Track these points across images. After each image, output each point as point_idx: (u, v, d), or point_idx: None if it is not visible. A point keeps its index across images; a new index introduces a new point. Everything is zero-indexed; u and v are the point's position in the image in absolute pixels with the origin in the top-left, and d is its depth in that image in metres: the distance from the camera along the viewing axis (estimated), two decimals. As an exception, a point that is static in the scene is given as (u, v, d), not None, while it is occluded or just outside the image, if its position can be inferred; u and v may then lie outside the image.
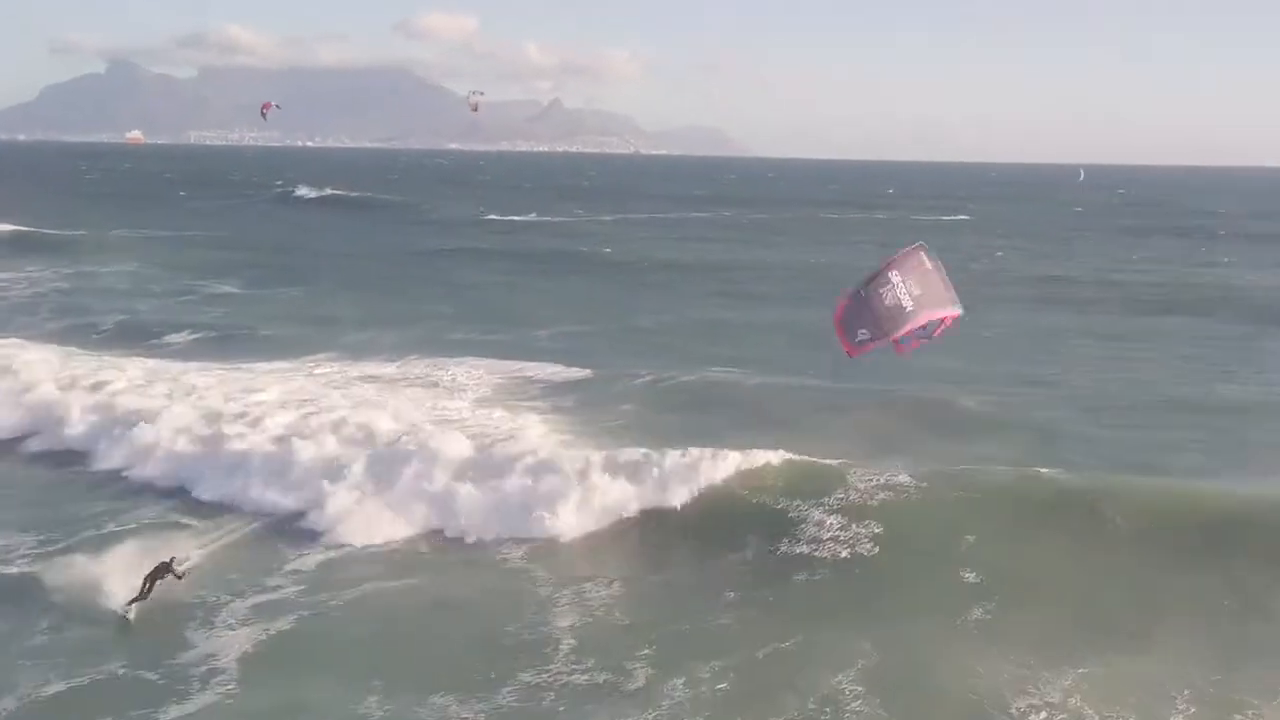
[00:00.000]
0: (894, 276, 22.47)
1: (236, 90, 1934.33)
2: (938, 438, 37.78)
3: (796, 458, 33.13)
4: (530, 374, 47.39)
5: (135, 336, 56.14)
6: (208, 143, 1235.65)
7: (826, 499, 30.61)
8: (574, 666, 23.44)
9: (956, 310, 22.90)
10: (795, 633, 24.88)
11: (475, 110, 75.89)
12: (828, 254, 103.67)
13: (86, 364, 46.41)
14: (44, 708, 21.64)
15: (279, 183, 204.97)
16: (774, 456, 33.22)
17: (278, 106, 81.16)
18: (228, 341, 55.74)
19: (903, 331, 22.43)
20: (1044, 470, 32.23)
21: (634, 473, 32.23)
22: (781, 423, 38.90)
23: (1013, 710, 22.06)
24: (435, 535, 30.78)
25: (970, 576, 27.22)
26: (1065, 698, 22.27)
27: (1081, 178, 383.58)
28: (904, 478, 31.61)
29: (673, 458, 32.68)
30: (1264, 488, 31.02)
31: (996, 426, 39.32)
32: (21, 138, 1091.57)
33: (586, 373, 47.29)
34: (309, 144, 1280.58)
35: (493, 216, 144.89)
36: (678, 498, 31.44)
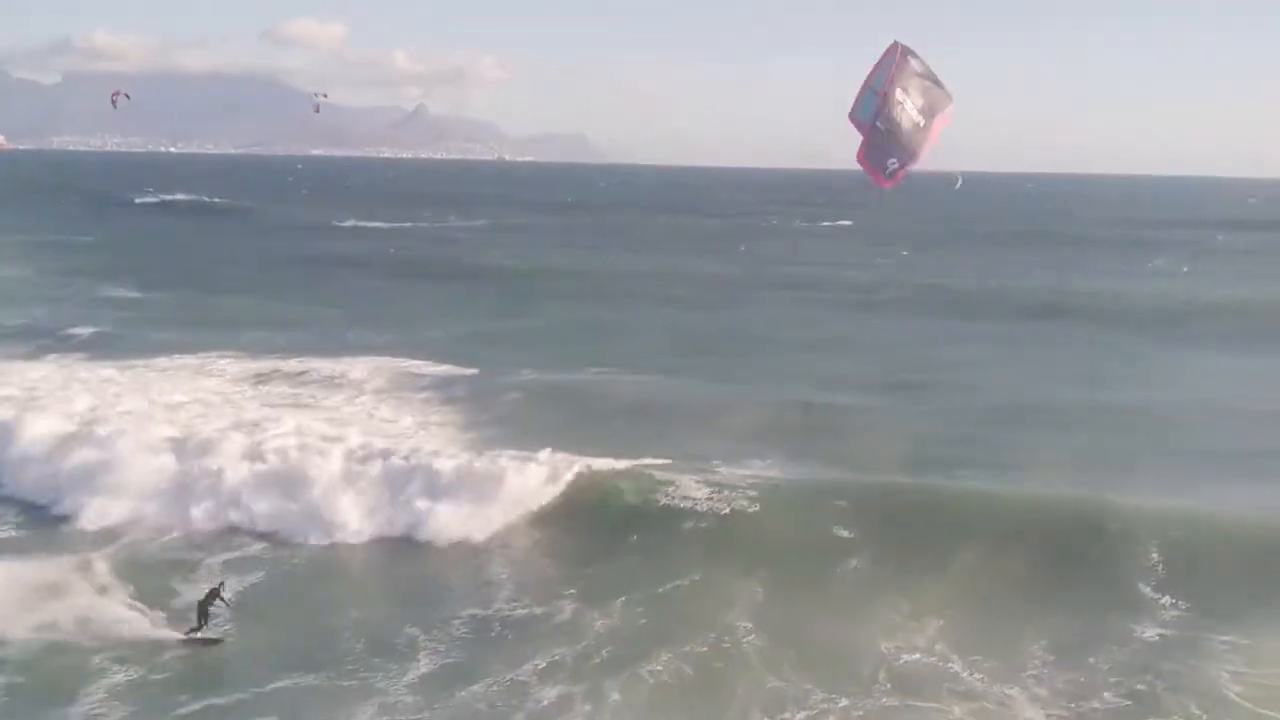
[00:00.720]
0: (899, 95, 21.75)
1: (101, 95, 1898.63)
2: (809, 436, 39.90)
3: (668, 456, 35.20)
4: (419, 371, 48.60)
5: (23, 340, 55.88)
6: (71, 148, 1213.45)
7: (704, 482, 32.98)
8: (513, 604, 27.49)
9: (950, 102, 22.39)
10: (692, 574, 28.26)
11: (317, 111, 76.41)
12: (690, 259, 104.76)
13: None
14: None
15: (149, 188, 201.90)
16: (653, 449, 35.73)
17: (127, 96, 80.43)
18: (118, 343, 55.91)
19: (926, 148, 21.99)
20: (900, 478, 34.71)
21: (522, 470, 33.40)
22: (660, 418, 40.12)
23: (883, 649, 24.99)
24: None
25: (844, 532, 30.36)
26: (930, 643, 25.18)
27: (959, 184, 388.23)
28: (775, 472, 34.76)
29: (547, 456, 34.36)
30: (1070, 489, 33.25)
31: (865, 428, 40.54)
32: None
33: (474, 371, 48.22)
34: (173, 149, 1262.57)
35: (360, 223, 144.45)
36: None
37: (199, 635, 25.13)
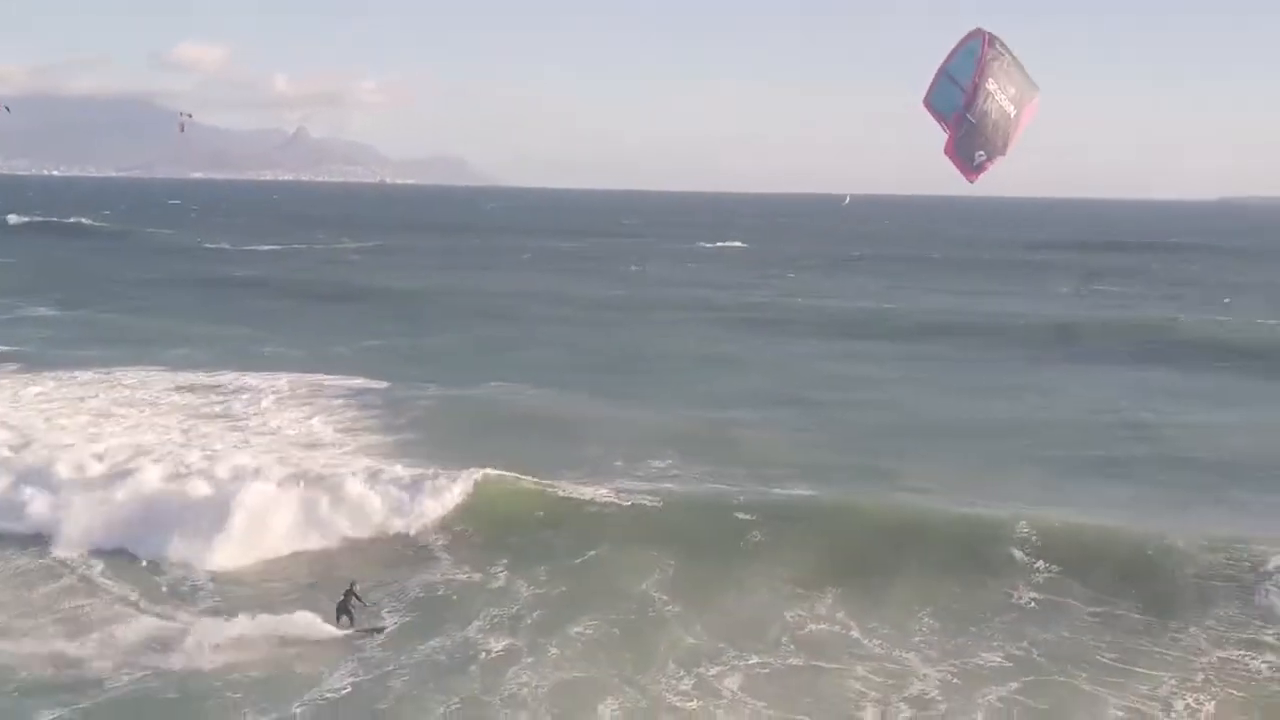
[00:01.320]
0: (990, 85, 21.35)
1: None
2: (704, 446, 41.60)
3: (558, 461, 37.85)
4: (334, 384, 50.35)
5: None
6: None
7: (607, 484, 35.54)
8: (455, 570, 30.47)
9: (1037, 92, 22.01)
10: (606, 552, 31.02)
11: (182, 130, 76.76)
12: (579, 279, 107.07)
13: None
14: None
15: (35, 210, 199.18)
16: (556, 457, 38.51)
17: (7, 109, 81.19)
18: (49, 361, 56.60)
19: (1015, 140, 21.77)
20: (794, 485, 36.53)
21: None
22: (560, 429, 42.41)
23: (788, 617, 27.54)
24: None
25: (743, 516, 32.76)
26: (831, 611, 27.67)
27: (847, 202, 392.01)
28: (675, 473, 37.71)
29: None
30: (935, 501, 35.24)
31: (757, 439, 42.84)
32: None
33: (384, 384, 50.22)
34: (56, 173, 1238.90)
35: (252, 246, 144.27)
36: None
37: (365, 628, 27.11)
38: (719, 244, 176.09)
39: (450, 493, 34.37)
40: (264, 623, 26.70)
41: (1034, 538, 30.42)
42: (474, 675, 24.46)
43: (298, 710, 23.29)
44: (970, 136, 21.49)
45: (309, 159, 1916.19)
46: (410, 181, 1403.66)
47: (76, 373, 52.61)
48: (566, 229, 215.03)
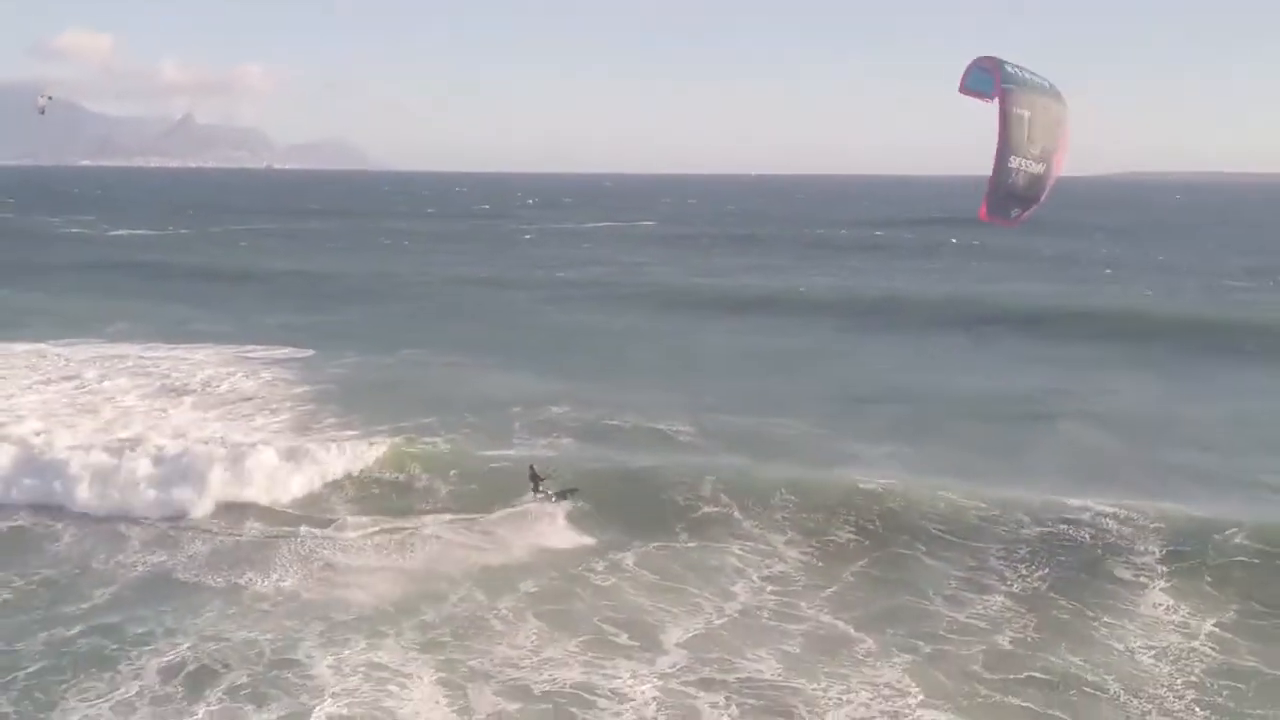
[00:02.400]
0: (1013, 161, 21.95)
1: None
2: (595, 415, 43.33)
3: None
4: (261, 354, 53.08)
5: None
6: None
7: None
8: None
9: (1067, 127, 22.68)
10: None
11: (42, 113, 76.05)
12: (477, 259, 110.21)
13: None
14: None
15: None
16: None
17: (50, 98, 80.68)
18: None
19: (1049, 187, 22.59)
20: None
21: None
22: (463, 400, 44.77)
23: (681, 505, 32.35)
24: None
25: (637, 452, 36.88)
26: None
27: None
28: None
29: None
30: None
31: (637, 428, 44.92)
32: None
33: (310, 353, 53.26)
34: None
35: (143, 231, 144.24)
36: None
37: (562, 490, 31.62)
38: (631, 223, 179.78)
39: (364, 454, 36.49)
40: None
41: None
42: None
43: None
44: (1003, 201, 22.71)
45: (196, 145, 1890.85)
46: (296, 166, 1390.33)
47: (15, 346, 54.70)
48: (463, 211, 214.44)
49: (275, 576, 28.35)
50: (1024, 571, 28.38)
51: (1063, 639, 24.99)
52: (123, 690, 22.38)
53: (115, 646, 24.14)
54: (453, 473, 35.18)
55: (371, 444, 36.85)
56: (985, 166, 22.05)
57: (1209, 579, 27.55)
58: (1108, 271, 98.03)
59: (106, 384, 46.19)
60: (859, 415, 43.06)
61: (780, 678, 23.18)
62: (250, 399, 44.84)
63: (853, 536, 30.85)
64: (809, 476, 34.05)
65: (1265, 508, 31.83)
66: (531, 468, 31.89)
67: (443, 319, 69.12)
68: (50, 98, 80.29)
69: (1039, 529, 30.01)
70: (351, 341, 58.25)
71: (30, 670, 23.17)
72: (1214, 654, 24.27)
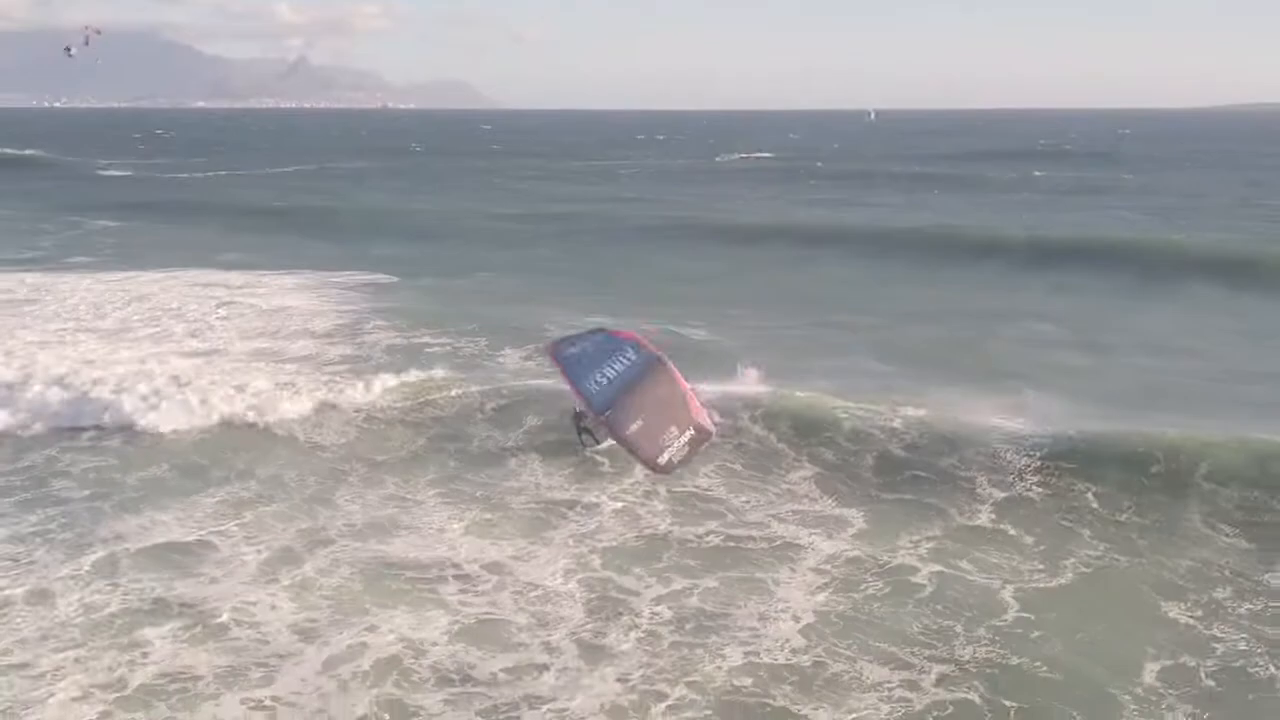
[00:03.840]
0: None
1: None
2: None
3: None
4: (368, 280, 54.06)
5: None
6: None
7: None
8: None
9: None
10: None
11: (86, 44, 75.14)
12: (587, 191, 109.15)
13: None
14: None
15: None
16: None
17: (97, 32, 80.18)
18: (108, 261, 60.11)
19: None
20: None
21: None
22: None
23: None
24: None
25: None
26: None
27: (872, 117, 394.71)
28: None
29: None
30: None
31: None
32: None
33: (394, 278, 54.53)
34: (57, 104, 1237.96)
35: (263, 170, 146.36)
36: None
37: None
38: (744, 155, 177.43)
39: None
40: None
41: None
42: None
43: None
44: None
45: (311, 86, 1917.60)
46: (412, 106, 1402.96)
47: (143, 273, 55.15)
48: (575, 148, 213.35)
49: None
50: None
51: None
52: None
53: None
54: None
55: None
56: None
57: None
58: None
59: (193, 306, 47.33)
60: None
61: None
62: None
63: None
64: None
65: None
66: (576, 411, 27.77)
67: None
68: (98, 31, 78.65)
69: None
70: (432, 267, 58.51)
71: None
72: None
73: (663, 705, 16.87)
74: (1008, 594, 20.14)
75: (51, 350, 37.45)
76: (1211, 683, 17.41)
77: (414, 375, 33.06)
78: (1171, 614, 19.46)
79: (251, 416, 30.58)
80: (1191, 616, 19.36)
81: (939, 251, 62.22)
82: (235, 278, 53.20)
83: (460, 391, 31.83)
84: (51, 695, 16.89)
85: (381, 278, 54.12)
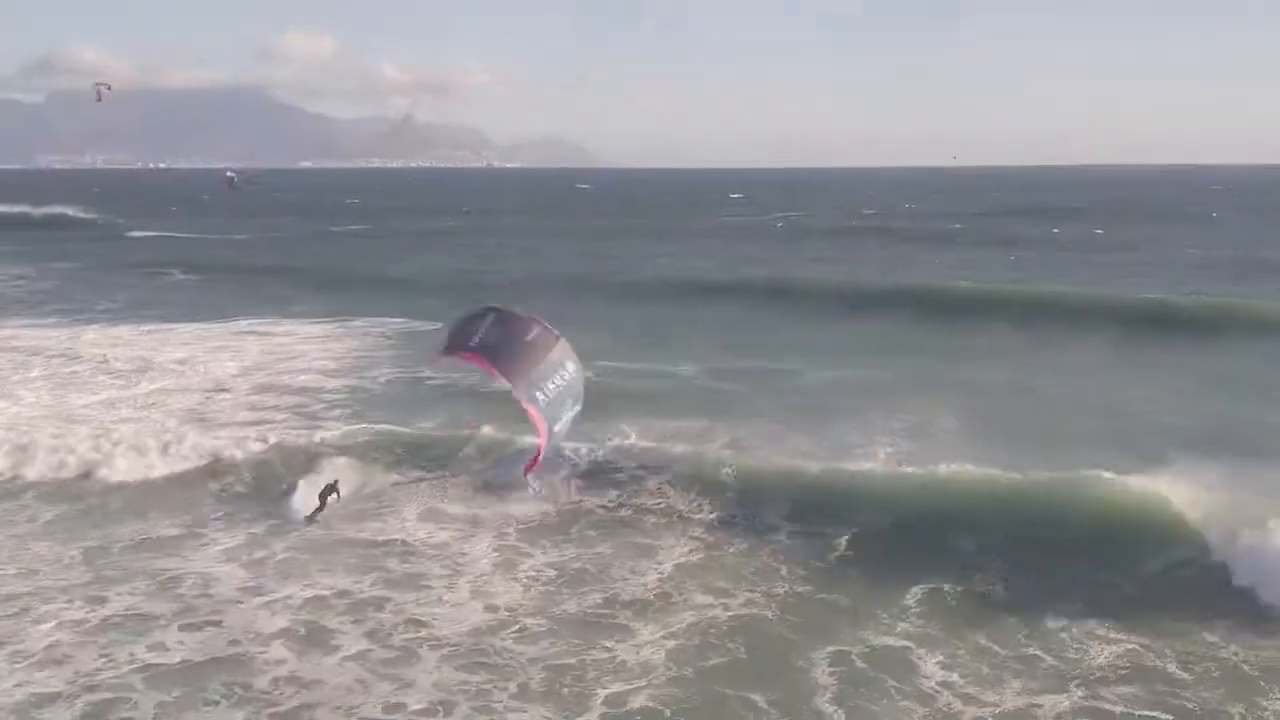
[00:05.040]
0: (489, 319, 25.46)
1: (85, 115, 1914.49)
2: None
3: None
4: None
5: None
6: (56, 167, 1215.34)
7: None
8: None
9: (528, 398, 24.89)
10: None
11: (99, 100, 77.92)
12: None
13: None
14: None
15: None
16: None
17: (108, 87, 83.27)
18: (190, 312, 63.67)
19: (458, 357, 25.97)
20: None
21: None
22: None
23: None
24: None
25: None
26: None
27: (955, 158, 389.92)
28: None
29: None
30: None
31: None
32: None
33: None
34: (160, 166, 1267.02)
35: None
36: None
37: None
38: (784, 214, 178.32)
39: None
40: None
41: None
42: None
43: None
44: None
45: (416, 145, 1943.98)
46: (517, 165, 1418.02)
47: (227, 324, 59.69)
48: (660, 207, 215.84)
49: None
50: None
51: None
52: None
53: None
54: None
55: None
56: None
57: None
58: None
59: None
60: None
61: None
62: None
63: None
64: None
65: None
66: (336, 482, 29.93)
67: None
68: (109, 87, 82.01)
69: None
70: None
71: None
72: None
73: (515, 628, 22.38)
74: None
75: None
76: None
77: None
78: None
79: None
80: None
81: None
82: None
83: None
84: None
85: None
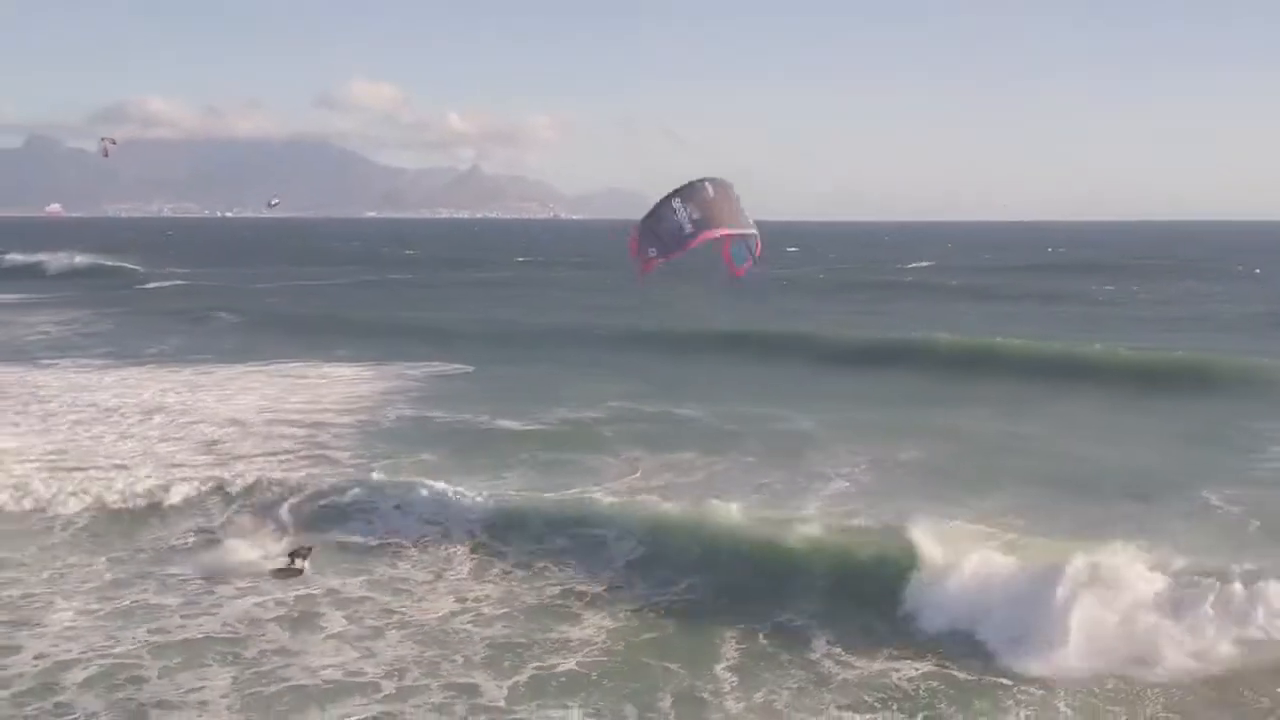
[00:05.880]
0: (675, 203, 26.39)
1: (150, 163, 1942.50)
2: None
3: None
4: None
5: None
6: (124, 215, 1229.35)
7: None
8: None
9: (743, 229, 26.92)
10: None
11: (105, 155, 79.55)
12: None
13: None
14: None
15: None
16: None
17: (113, 142, 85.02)
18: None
19: (683, 250, 26.58)
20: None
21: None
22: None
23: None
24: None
25: None
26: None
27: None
28: None
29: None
30: None
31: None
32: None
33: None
34: (228, 215, 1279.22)
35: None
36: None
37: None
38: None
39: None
40: None
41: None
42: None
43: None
44: (645, 237, 26.97)
45: (483, 196, 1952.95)
46: (583, 216, 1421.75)
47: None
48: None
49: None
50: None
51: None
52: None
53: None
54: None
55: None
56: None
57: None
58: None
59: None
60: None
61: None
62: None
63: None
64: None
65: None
66: (307, 550, 30.63)
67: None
68: (114, 141, 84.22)
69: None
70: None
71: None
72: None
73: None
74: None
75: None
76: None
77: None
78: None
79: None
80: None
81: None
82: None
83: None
84: None
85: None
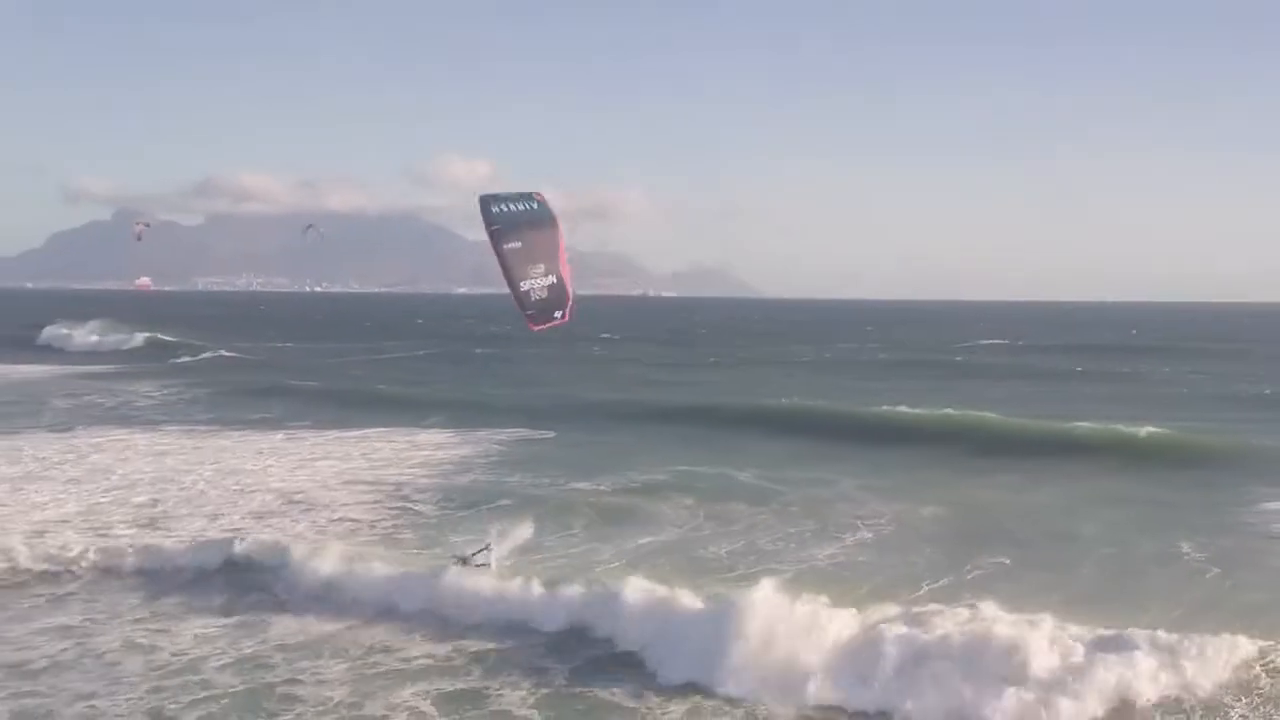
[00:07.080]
0: (524, 285, 26.41)
1: (241, 236, 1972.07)
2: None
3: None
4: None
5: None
6: (214, 288, 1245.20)
7: None
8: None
9: (561, 243, 27.06)
10: None
11: (139, 239, 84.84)
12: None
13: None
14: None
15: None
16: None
17: (147, 225, 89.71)
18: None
19: (570, 291, 27.19)
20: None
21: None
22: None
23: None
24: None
25: None
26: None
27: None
28: None
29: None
30: None
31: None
32: (29, 285, 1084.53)
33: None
34: (318, 289, 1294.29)
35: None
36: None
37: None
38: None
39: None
40: None
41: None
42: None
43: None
44: (540, 314, 26.81)
45: (573, 272, 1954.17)
46: (673, 294, 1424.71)
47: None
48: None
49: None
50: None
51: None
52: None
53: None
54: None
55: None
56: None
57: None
58: None
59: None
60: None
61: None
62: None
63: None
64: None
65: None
66: (488, 546, 34.80)
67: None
68: (147, 224, 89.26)
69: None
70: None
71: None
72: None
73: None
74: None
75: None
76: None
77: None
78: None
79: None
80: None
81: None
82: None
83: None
84: None
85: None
